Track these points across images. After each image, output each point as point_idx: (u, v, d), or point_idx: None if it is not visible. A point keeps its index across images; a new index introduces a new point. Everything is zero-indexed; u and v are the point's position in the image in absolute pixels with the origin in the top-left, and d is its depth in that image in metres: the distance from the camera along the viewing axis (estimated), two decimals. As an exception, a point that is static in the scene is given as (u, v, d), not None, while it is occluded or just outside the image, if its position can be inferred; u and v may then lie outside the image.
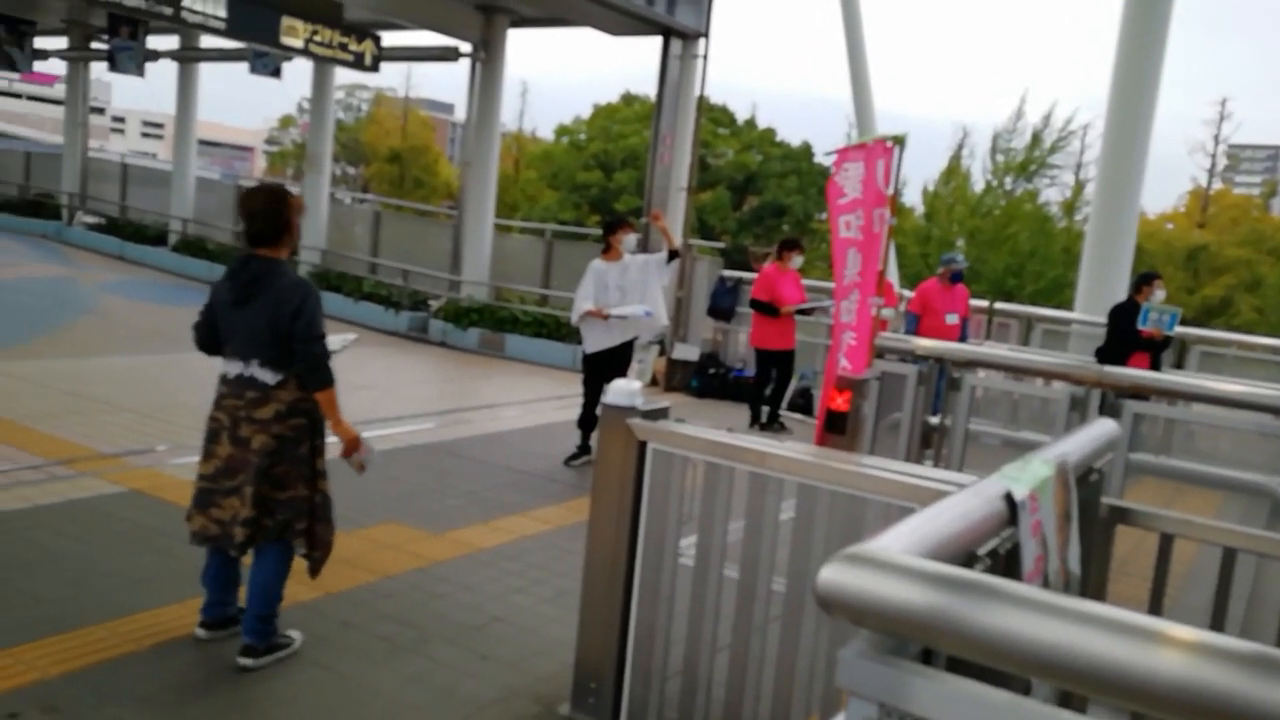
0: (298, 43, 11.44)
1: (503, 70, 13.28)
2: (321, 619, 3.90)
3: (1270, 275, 31.88)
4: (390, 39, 13.37)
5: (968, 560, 1.59)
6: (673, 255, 6.99)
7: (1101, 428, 2.68)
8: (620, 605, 3.26)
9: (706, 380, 10.27)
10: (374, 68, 12.59)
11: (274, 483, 3.43)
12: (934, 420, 5.00)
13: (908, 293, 10.64)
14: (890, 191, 5.00)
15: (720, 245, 22.14)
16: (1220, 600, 2.75)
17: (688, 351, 10.63)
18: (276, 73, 15.44)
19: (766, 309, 8.49)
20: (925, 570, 1.26)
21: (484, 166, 13.37)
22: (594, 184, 35.47)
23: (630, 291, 6.78)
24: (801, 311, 8.65)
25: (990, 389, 5.62)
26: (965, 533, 1.57)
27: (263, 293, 3.39)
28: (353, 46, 11.97)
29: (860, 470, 2.85)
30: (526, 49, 68.08)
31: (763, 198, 35.75)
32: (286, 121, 50.86)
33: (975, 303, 9.67)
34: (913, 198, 30.18)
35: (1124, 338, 7.50)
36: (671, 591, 3.20)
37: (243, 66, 15.59)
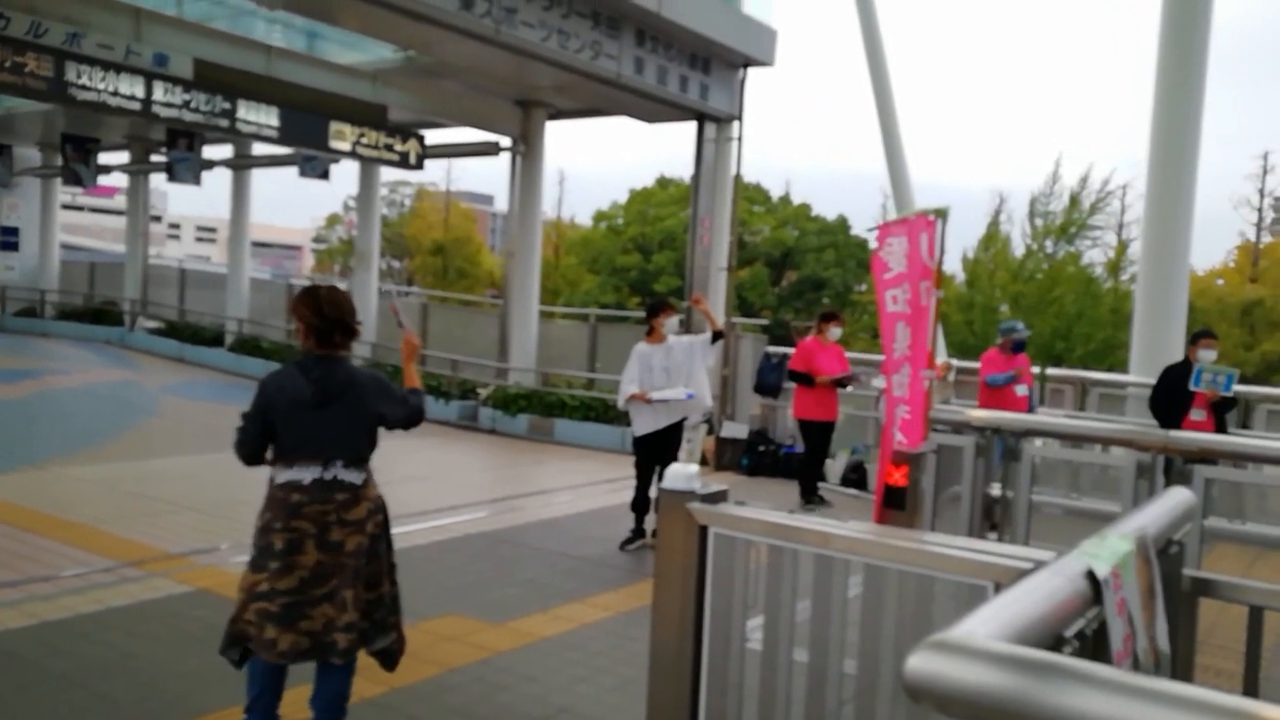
0: (345, 146, 11.90)
1: (542, 162, 13.66)
2: (390, 714, 3.89)
3: (1330, 327, 31.14)
4: (433, 136, 13.87)
5: (1055, 643, 1.56)
6: (717, 336, 7.03)
7: (1177, 497, 2.62)
8: (689, 693, 3.21)
9: (757, 457, 10.21)
10: (419, 166, 13.03)
11: (367, 583, 3.38)
12: (994, 492, 4.92)
13: (956, 362, 10.55)
14: (935, 264, 5.01)
15: (762, 321, 22.25)
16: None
17: (736, 430, 10.60)
18: (325, 175, 16.04)
19: (803, 379, 8.57)
20: (1014, 656, 1.24)
21: (527, 255, 13.65)
22: (633, 266, 35.94)
23: (675, 373, 6.82)
24: (838, 382, 8.64)
25: (1050, 458, 5.52)
26: (1051, 614, 1.55)
27: (346, 391, 3.34)
28: (398, 146, 12.42)
29: (926, 548, 2.81)
30: (564, 138, 69.91)
31: (801, 272, 35.93)
32: (333, 220, 52.45)
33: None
34: (953, 265, 30.13)
35: (1171, 398, 7.35)
36: (740, 678, 3.15)
37: (292, 169, 16.22)
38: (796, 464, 9.21)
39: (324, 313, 3.39)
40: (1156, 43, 9.99)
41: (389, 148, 12.30)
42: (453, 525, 7.18)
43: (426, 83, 12.91)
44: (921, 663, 1.25)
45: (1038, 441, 5.42)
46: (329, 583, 3.29)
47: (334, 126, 11.63)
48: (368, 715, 3.80)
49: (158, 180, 21.21)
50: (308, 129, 11.51)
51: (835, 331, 8.71)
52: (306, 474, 3.29)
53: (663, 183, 37.94)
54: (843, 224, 36.78)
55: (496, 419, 12.45)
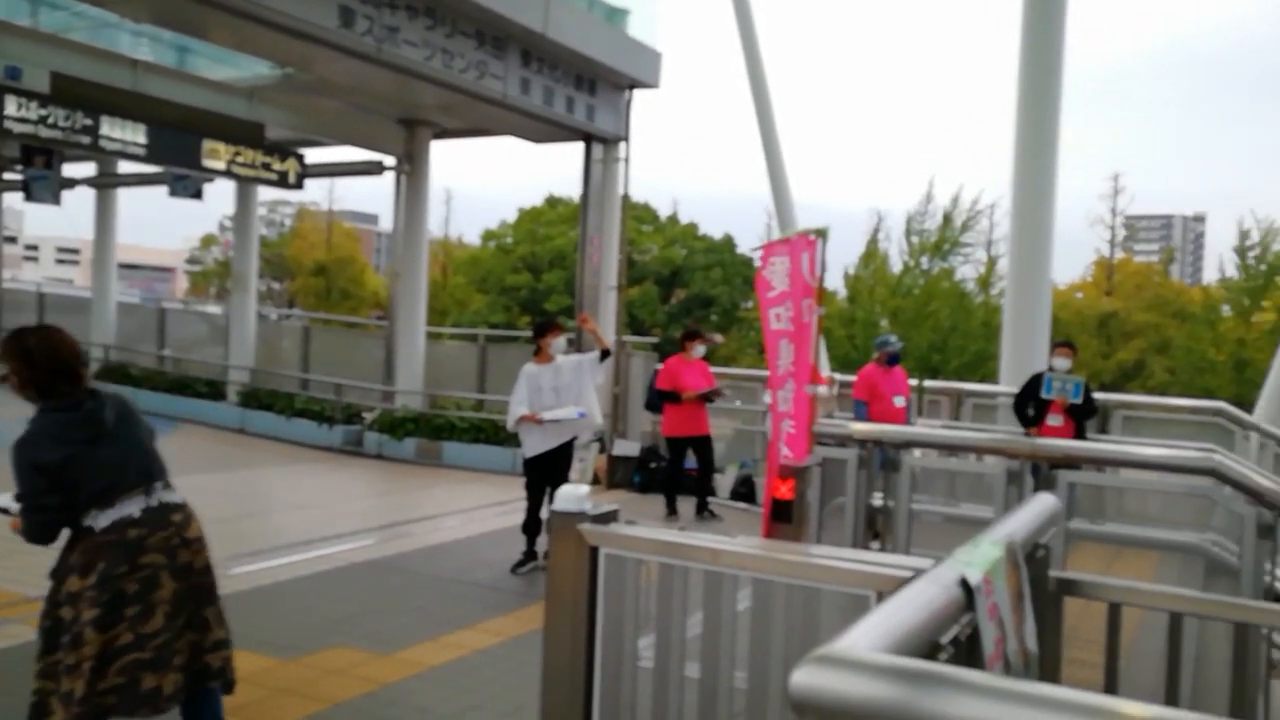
0: (220, 165, 11.45)
1: (427, 181, 13.47)
2: (269, 758, 3.73)
3: (1177, 337, 33.37)
4: (314, 155, 13.50)
5: (932, 650, 1.61)
6: (605, 354, 7.07)
7: (1042, 503, 2.76)
8: (581, 714, 3.19)
9: (649, 474, 10.26)
10: (298, 185, 12.65)
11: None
12: (877, 502, 5.07)
13: (839, 375, 10.86)
14: (816, 282, 5.16)
15: (652, 339, 22.47)
16: (1172, 666, 2.81)
17: (628, 447, 10.64)
18: (198, 194, 15.35)
19: (670, 397, 8.81)
20: (893, 666, 1.28)
21: (413, 276, 13.42)
22: (523, 286, 35.79)
23: (564, 393, 6.81)
24: (704, 397, 8.84)
25: (928, 467, 5.74)
26: (927, 622, 1.60)
27: (124, 414, 3.17)
28: (276, 165, 12.03)
29: (811, 560, 2.88)
30: (449, 157, 69.18)
31: (690, 290, 36.43)
32: (208, 241, 50.49)
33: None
34: (834, 282, 31.12)
35: (1029, 404, 7.80)
36: (633, 696, 3.15)
37: (162, 188, 15.51)
38: (663, 479, 9.40)
39: (35, 363, 3.09)
40: (1017, 72, 10.58)
41: (266, 166, 11.90)
42: (337, 554, 6.95)
43: (306, 100, 12.58)
44: (806, 678, 1.27)
45: (916, 452, 5.62)
46: (185, 609, 3.16)
47: (207, 144, 11.18)
48: (247, 758, 3.63)
49: (12, 199, 19.95)
50: (178, 147, 11.03)
51: (699, 349, 8.97)
52: (133, 506, 3.10)
53: (552, 201, 37.95)
54: (729, 243, 37.52)
55: (383, 443, 12.16)
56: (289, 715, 4.09)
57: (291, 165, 12.21)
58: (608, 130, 11.63)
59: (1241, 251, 31.45)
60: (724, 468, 10.34)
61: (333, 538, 7.47)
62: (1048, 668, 2.79)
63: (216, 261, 47.06)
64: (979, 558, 1.96)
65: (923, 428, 7.06)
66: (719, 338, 10.95)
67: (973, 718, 1.18)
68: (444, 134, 13.62)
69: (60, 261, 71.44)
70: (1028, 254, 10.52)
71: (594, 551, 3.20)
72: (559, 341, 6.97)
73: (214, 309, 23.51)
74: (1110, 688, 2.84)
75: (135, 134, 10.47)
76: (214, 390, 14.91)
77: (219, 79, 12.38)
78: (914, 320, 29.17)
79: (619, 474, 10.45)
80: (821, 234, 5.20)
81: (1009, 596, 2.07)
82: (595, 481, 10.53)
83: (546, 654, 3.30)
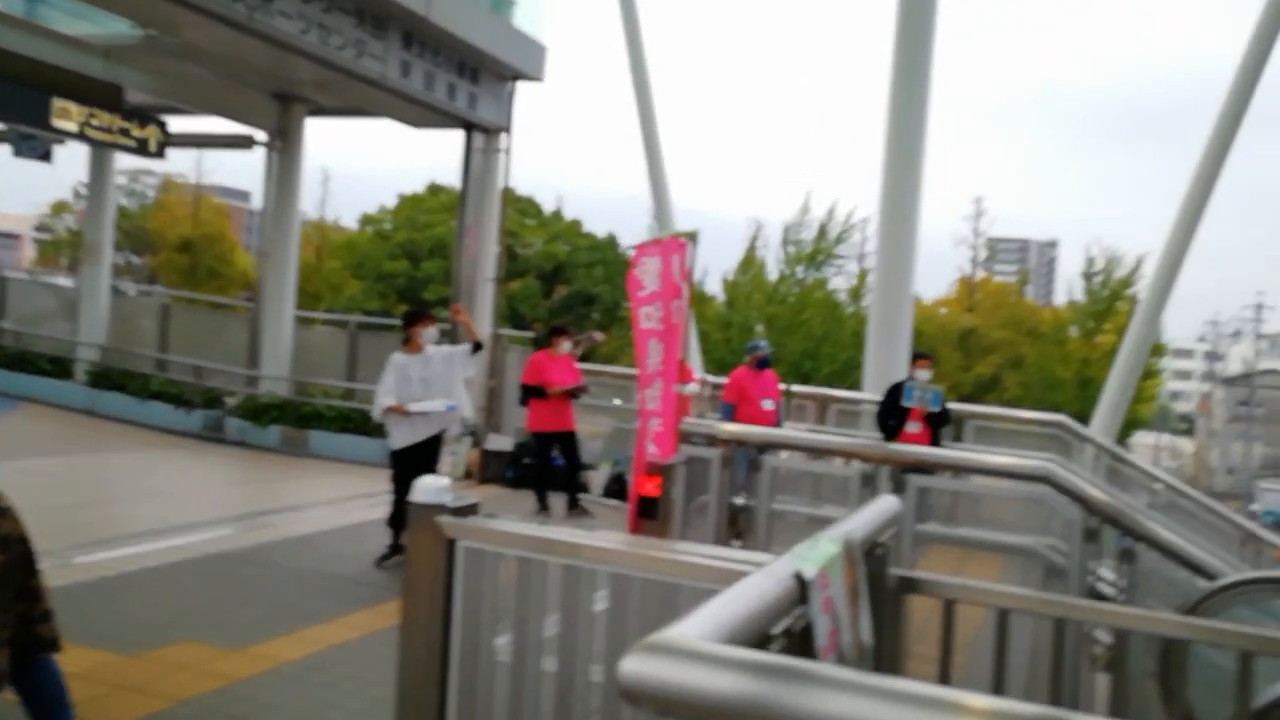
0: (71, 126, 10.76)
1: (301, 159, 13.06)
2: (102, 755, 3.57)
3: (1029, 354, 35.40)
4: (178, 124, 12.87)
5: (763, 641, 1.69)
6: (476, 347, 7.01)
7: (884, 504, 2.90)
8: (436, 709, 3.18)
9: (522, 470, 10.23)
10: (159, 154, 12.05)
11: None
12: (739, 501, 5.22)
13: (711, 377, 11.07)
14: (685, 284, 5.26)
15: (532, 334, 22.31)
16: (999, 659, 3.00)
17: (501, 442, 10.57)
18: (46, 156, 14.40)
19: (535, 392, 8.82)
20: (720, 656, 1.34)
21: (283, 257, 12.98)
22: (401, 273, 35.01)
23: (434, 384, 6.72)
24: (570, 393, 8.92)
25: (793, 469, 5.93)
26: (759, 614, 1.67)
27: None
28: (135, 131, 11.41)
29: (667, 556, 2.95)
30: (328, 137, 67.06)
31: (572, 287, 36.39)
32: (60, 208, 47.34)
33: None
34: (714, 287, 31.69)
35: (890, 412, 8.16)
36: (490, 691, 3.15)
37: (4, 148, 14.49)
38: (531, 473, 9.39)
39: None
40: (887, 94, 11.02)
41: (124, 132, 11.26)
42: (190, 545, 6.67)
43: (171, 65, 11.93)
44: (635, 665, 1.31)
45: (784, 454, 5.80)
46: (15, 580, 2.94)
47: (57, 103, 10.46)
48: (78, 756, 3.46)
49: None
50: (24, 104, 10.30)
51: (565, 345, 9.01)
52: None
53: (434, 189, 37.24)
54: (612, 242, 37.65)
55: (245, 430, 11.72)
56: (128, 714, 3.92)
57: (152, 132, 11.62)
58: (489, 120, 11.52)
59: (1087, 277, 33.68)
60: (598, 465, 10.41)
61: (186, 528, 7.16)
62: (887, 661, 2.95)
63: (69, 230, 44.19)
64: (816, 554, 2.05)
65: (786, 431, 7.29)
66: (600, 336, 11.02)
67: (795, 704, 1.24)
68: (320, 111, 13.21)
69: (-110, 223, 65.76)
70: (892, 268, 10.97)
71: (451, 544, 3.19)
72: (430, 332, 6.87)
73: (64, 281, 22.14)
74: (944, 679, 3.02)
75: (-24, 89, 9.76)
76: (60, 368, 14.04)
77: (73, 34, 11.60)
78: (788, 327, 29.98)
79: (492, 469, 10.38)
80: (692, 237, 5.31)
81: (845, 591, 2.18)
82: (468, 476, 10.43)
83: (402, 648, 3.26)
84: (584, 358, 10.74)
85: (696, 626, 1.46)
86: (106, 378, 13.25)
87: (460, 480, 10.32)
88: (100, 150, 14.27)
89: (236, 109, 12.86)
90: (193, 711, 4.01)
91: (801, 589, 1.88)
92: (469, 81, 11.19)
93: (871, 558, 2.70)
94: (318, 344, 13.85)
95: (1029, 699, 3.65)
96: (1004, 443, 10.87)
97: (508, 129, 11.74)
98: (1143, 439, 38.83)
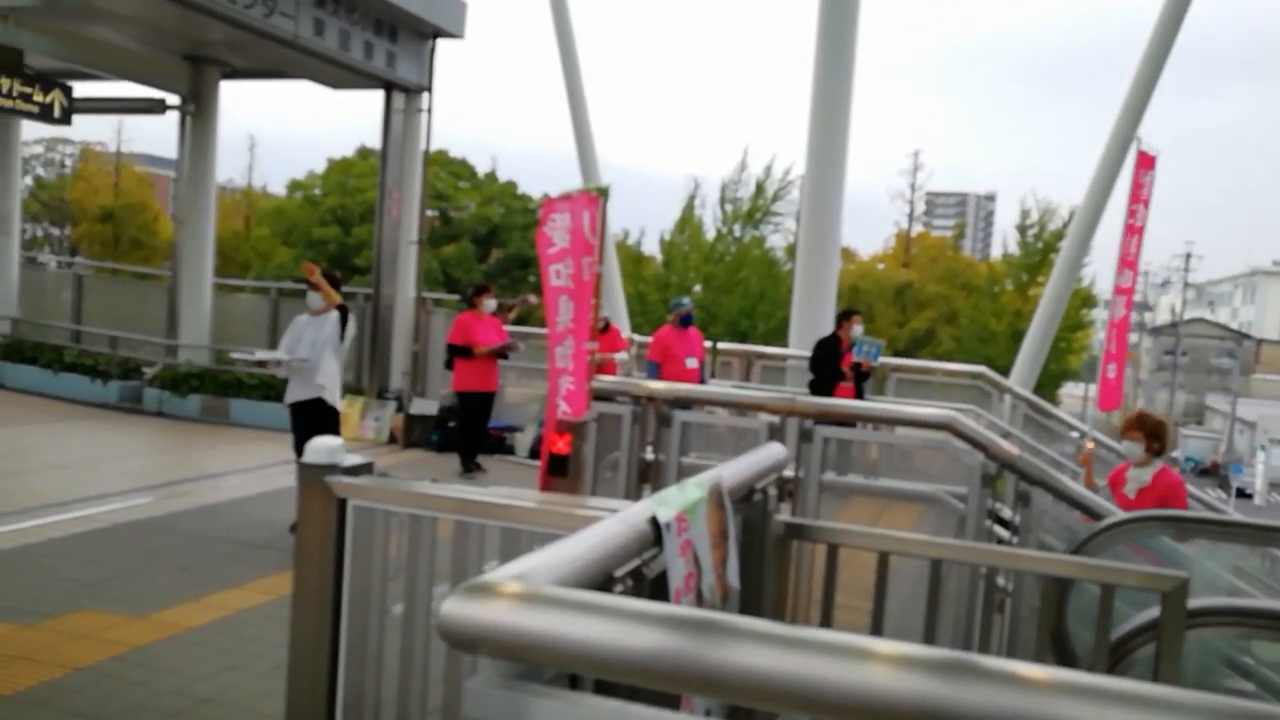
0: (-32, 92, 10.30)
1: (216, 123, 12.67)
2: (-11, 729, 3.49)
3: (964, 308, 35.93)
4: (86, 89, 12.36)
5: (606, 582, 1.70)
6: (342, 312, 6.72)
7: (767, 451, 2.94)
8: (327, 670, 3.16)
9: (447, 433, 10.16)
10: (65, 120, 11.54)
11: None
12: (650, 457, 5.23)
13: (638, 336, 11.09)
14: (597, 240, 5.23)
15: (456, 297, 21.99)
16: (878, 601, 3.07)
17: (426, 406, 10.49)
18: (-54, 123, 13.82)
19: (462, 351, 8.82)
20: (538, 594, 1.34)
21: (200, 223, 12.63)
22: (332, 239, 34.34)
23: (318, 348, 6.67)
24: (496, 353, 8.89)
25: (704, 424, 5.98)
26: (602, 557, 1.68)
27: None
28: (37, 97, 10.91)
29: (556, 509, 2.96)
30: (250, 100, 65.03)
31: (507, 250, 36.05)
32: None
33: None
34: (651, 247, 31.62)
35: (828, 369, 8.22)
36: (380, 648, 3.15)
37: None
38: (456, 434, 9.37)
39: None
40: (814, 51, 11.02)
41: (26, 97, 10.76)
42: (99, 515, 6.53)
43: (74, 27, 11.47)
44: (451, 606, 1.31)
45: (705, 410, 5.82)
46: None
47: (-47, 67, 10.03)
48: (-38, 730, 3.39)
49: None
50: (-85, 67, 9.85)
51: (489, 304, 9.00)
52: None
53: (364, 153, 36.44)
54: (548, 203, 37.27)
55: (164, 400, 11.44)
56: (22, 683, 3.85)
57: (57, 97, 11.14)
58: (409, 79, 11.28)
59: (1022, 229, 34.08)
60: (524, 426, 10.39)
61: (96, 498, 7.01)
62: (772, 605, 3.01)
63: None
64: (677, 498, 2.07)
65: (698, 386, 7.34)
66: (534, 299, 10.91)
67: (594, 638, 1.24)
68: (235, 74, 12.80)
69: None
70: (819, 224, 11.05)
71: (343, 504, 3.16)
72: (314, 297, 6.74)
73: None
74: (826, 623, 3.08)
75: None
76: (-35, 342, 13.53)
77: (-31, -4, 11.08)
78: (725, 286, 30.09)
79: (416, 433, 10.30)
80: (603, 192, 5.27)
81: (709, 535, 2.21)
82: (391, 440, 10.35)
83: (295, 609, 3.23)
84: (520, 321, 10.67)
85: (531, 567, 1.46)
86: (17, 350, 12.82)
87: (384, 445, 10.23)
88: (3, 118, 13.67)
89: (146, 72, 12.39)
90: (87, 679, 3.95)
91: (656, 532, 1.89)
92: (387, 40, 10.92)
93: (749, 504, 2.74)
94: (240, 312, 13.54)
95: (937, 644, 3.75)
96: (927, 395, 11.08)
97: (429, 88, 11.51)
98: (1073, 390, 39.83)
